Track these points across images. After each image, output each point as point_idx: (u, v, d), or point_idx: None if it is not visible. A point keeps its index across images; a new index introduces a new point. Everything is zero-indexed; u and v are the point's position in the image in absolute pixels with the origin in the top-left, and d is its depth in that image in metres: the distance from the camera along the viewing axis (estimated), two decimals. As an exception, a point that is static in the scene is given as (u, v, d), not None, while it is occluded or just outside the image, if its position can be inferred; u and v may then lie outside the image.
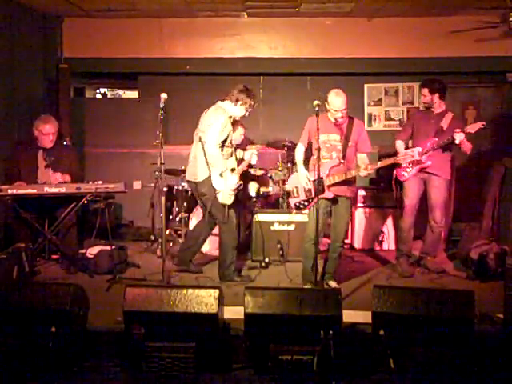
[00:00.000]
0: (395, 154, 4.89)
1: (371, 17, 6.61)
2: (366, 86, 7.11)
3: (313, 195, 4.42)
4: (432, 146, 4.86)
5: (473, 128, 4.73)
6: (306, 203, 4.51)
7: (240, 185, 4.72)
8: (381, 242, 6.06)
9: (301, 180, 4.51)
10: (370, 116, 7.12)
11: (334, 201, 4.44)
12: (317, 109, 3.99)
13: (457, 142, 4.73)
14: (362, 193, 6.14)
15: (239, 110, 4.62)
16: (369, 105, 7.14)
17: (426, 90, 4.98)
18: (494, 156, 6.66)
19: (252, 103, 4.64)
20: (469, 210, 6.34)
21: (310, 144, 4.51)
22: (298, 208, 4.59)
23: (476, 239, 5.26)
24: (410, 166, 4.90)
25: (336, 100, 4.29)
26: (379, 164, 4.40)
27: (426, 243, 5.16)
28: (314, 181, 4.35)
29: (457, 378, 3.08)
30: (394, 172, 5.00)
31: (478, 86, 7.11)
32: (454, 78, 7.00)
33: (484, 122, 4.77)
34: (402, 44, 6.68)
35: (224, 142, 4.53)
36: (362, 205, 6.13)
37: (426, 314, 3.15)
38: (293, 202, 4.60)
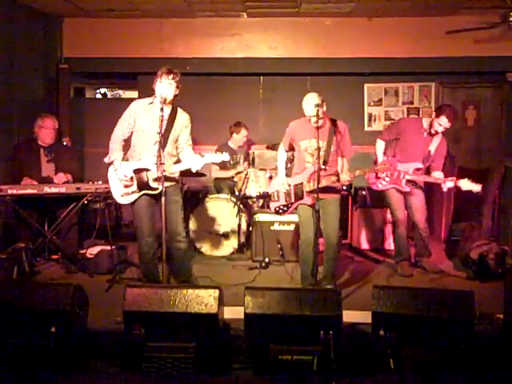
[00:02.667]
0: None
1: (371, 17, 6.61)
2: (365, 85, 7.12)
3: (292, 200, 4.41)
4: (418, 178, 4.84)
5: (467, 187, 4.58)
6: (285, 208, 4.47)
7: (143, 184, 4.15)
8: (381, 242, 6.06)
9: (279, 184, 4.47)
10: (370, 116, 7.13)
11: (322, 202, 4.22)
12: (316, 109, 3.98)
13: (444, 189, 4.69)
14: (361, 192, 6.15)
15: (160, 87, 4.11)
16: (369, 105, 7.14)
17: (446, 121, 4.73)
18: (494, 156, 6.68)
19: (160, 73, 4.12)
20: (469, 210, 6.35)
21: (291, 148, 4.48)
22: (277, 212, 4.55)
23: (476, 239, 5.26)
24: (387, 179, 4.66)
25: (307, 107, 4.12)
26: (357, 173, 4.23)
27: (417, 247, 5.18)
28: (296, 185, 4.35)
29: (457, 378, 3.08)
30: (366, 177, 4.92)
31: (478, 86, 7.11)
32: (454, 78, 7.02)
33: (480, 190, 4.56)
34: (402, 44, 6.68)
35: (144, 133, 4.20)
36: (361, 205, 6.13)
37: (425, 314, 3.15)
38: (273, 205, 4.56)
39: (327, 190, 4.21)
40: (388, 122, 7.11)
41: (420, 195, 4.96)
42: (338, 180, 4.18)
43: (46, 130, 5.09)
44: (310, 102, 4.09)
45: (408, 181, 4.86)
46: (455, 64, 6.68)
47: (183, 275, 4.42)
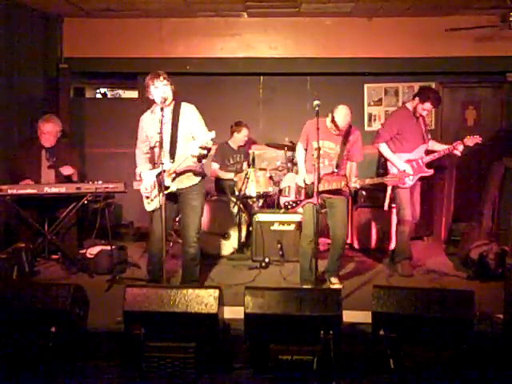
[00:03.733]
0: (384, 163, 5.12)
1: (371, 17, 6.61)
2: (365, 85, 7.11)
3: (301, 197, 4.50)
4: (434, 157, 5.01)
5: (471, 142, 4.92)
6: (294, 204, 4.58)
7: (160, 187, 4.08)
8: (381, 242, 6.05)
9: (299, 180, 4.53)
10: (369, 116, 7.12)
11: (329, 201, 4.46)
12: (317, 109, 3.99)
13: (458, 154, 4.97)
14: (362, 192, 6.14)
15: (158, 92, 4.14)
16: (369, 105, 7.14)
17: (431, 107, 4.99)
18: (494, 156, 6.67)
19: (150, 80, 4.17)
20: (469, 210, 6.34)
21: (308, 146, 4.52)
22: (286, 207, 4.67)
23: (476, 239, 5.26)
24: (411, 172, 4.86)
25: (343, 119, 4.31)
26: (367, 181, 4.41)
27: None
28: (307, 184, 4.41)
29: (456, 378, 3.08)
30: (388, 183, 4.96)
31: (478, 86, 7.10)
32: (454, 78, 7.01)
33: (481, 138, 4.95)
34: (402, 44, 6.68)
35: (154, 143, 4.28)
36: (361, 205, 6.13)
37: (425, 314, 3.15)
38: (283, 200, 4.72)
39: (336, 191, 4.38)
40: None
41: (419, 187, 5.11)
42: (348, 185, 4.30)
43: (46, 135, 5.11)
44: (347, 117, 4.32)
45: (426, 164, 5.00)
46: (455, 64, 6.68)
47: (188, 278, 4.42)
